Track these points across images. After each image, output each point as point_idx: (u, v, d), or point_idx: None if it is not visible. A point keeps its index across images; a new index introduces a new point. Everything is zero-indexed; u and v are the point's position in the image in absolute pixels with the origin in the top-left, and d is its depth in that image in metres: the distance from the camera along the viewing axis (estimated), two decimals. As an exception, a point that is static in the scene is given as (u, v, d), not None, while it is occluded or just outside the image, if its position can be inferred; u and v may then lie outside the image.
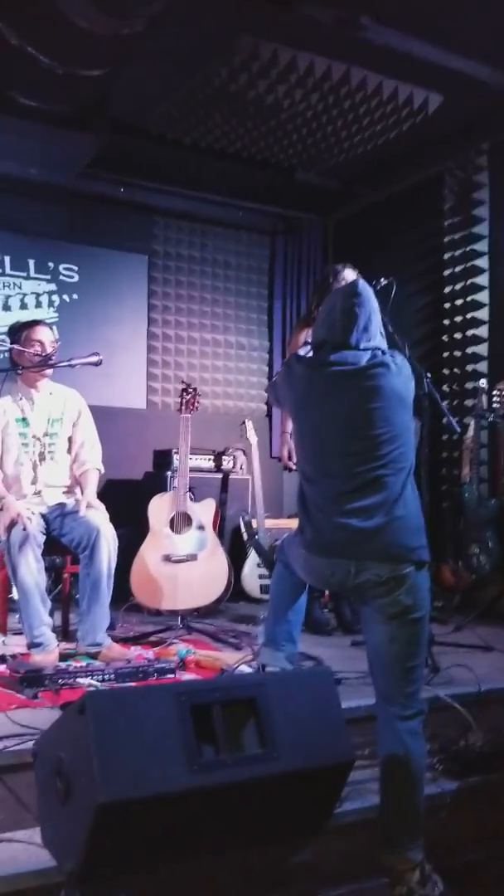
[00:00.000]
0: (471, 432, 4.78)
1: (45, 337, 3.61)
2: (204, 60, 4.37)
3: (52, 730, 2.07)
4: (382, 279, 3.80)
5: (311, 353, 2.76)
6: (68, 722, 1.95)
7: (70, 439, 3.75)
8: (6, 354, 4.95)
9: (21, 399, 3.65)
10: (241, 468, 5.44)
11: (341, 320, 2.53)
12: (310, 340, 3.08)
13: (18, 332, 3.68)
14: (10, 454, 3.61)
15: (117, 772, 1.78)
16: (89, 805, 1.77)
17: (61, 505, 3.60)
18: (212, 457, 5.38)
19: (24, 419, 3.63)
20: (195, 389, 4.40)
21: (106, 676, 2.98)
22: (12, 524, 3.30)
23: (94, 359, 3.45)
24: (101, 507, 3.56)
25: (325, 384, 2.53)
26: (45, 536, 3.41)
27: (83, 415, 3.79)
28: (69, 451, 3.75)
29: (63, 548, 3.57)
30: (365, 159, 5.50)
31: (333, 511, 2.46)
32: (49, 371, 3.66)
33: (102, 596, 3.38)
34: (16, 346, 3.56)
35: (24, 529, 3.28)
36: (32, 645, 3.28)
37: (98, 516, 3.46)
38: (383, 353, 2.54)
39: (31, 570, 3.27)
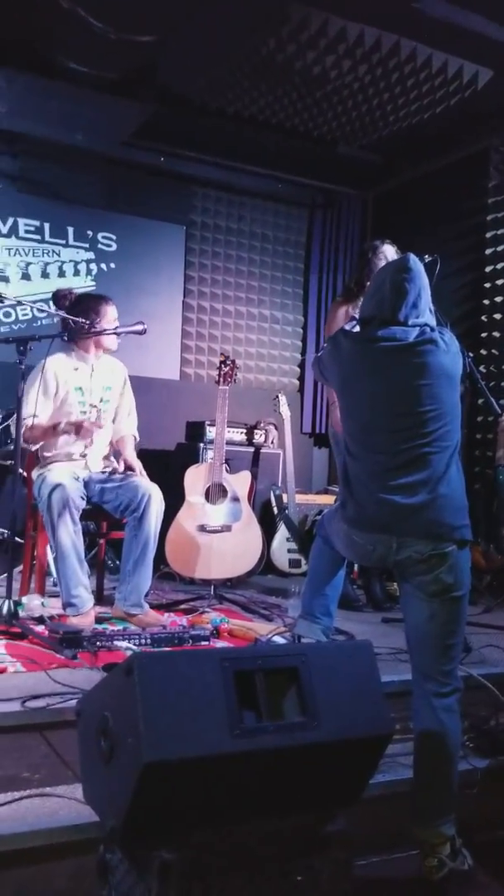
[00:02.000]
0: (507, 414, 4.74)
1: (112, 316, 3.62)
2: (252, 29, 4.33)
3: (97, 690, 2.10)
4: (427, 256, 3.77)
5: (357, 328, 2.75)
6: (114, 683, 1.98)
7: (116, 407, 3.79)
8: (54, 320, 4.92)
9: (78, 368, 3.65)
10: (272, 442, 5.46)
11: (391, 296, 2.52)
12: (356, 315, 3.07)
13: (88, 303, 3.63)
14: (68, 419, 3.58)
15: (162, 733, 1.81)
16: (134, 764, 1.80)
17: (102, 472, 3.64)
18: (244, 430, 5.39)
19: (80, 388, 3.63)
20: (233, 361, 4.40)
21: (142, 641, 3.02)
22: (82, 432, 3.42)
23: (138, 327, 3.45)
24: (140, 465, 3.62)
25: (373, 360, 2.52)
26: (84, 501, 3.44)
27: (126, 384, 3.81)
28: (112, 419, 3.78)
29: (104, 514, 3.61)
30: (409, 134, 5.44)
31: (377, 487, 2.46)
32: (114, 347, 3.68)
33: (149, 558, 3.46)
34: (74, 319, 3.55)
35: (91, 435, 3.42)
36: (68, 605, 3.33)
37: (146, 481, 3.51)
38: (432, 329, 2.53)
39: (69, 531, 3.32)
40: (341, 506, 2.63)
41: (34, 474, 3.62)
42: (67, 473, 3.44)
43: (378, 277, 2.65)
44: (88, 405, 3.63)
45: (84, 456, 3.64)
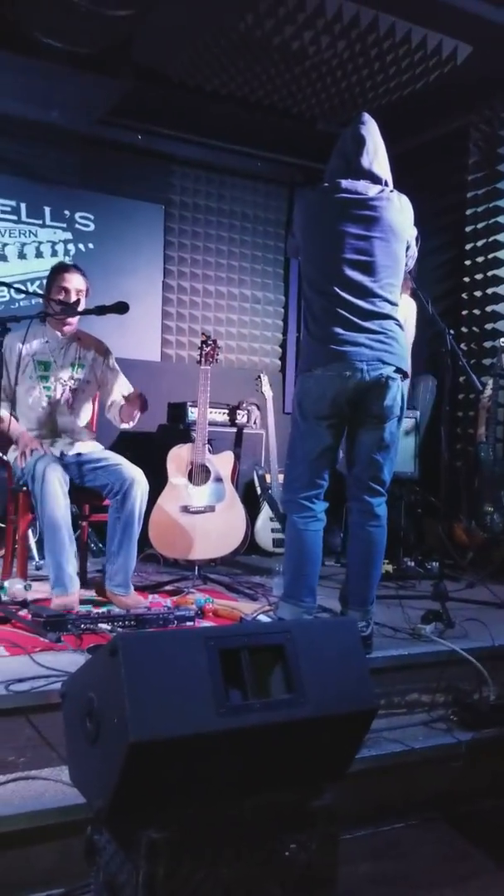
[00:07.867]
0: (488, 391, 4.77)
1: (72, 284, 3.56)
2: (230, 4, 4.26)
3: (82, 671, 2.09)
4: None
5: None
6: (99, 664, 1.97)
7: (97, 386, 3.75)
8: (31, 301, 4.90)
9: (47, 343, 3.62)
10: (255, 423, 5.43)
11: (352, 144, 2.94)
12: None
13: (49, 276, 3.65)
14: (31, 396, 3.58)
15: (148, 713, 1.80)
16: (120, 744, 1.79)
17: (78, 455, 3.59)
18: (226, 411, 5.37)
19: (46, 363, 3.61)
20: (215, 341, 4.37)
21: (127, 622, 3.01)
22: (24, 454, 3.36)
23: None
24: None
25: (335, 209, 2.93)
26: (67, 477, 3.37)
27: (112, 366, 3.76)
28: (92, 400, 3.75)
29: (87, 495, 3.58)
30: (389, 111, 5.37)
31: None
32: (73, 320, 3.63)
33: (133, 538, 3.40)
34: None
35: (39, 452, 3.37)
36: (57, 583, 3.22)
37: (130, 466, 3.47)
38: (391, 189, 3.02)
39: (60, 504, 3.21)
40: (308, 360, 2.99)
41: (10, 454, 3.58)
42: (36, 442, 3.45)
43: (339, 141, 3.04)
44: (52, 380, 3.60)
45: (55, 441, 3.61)
